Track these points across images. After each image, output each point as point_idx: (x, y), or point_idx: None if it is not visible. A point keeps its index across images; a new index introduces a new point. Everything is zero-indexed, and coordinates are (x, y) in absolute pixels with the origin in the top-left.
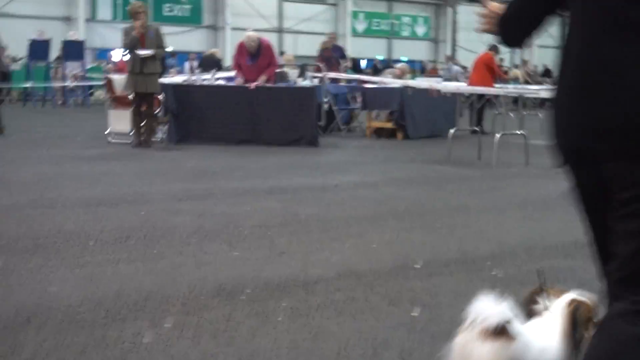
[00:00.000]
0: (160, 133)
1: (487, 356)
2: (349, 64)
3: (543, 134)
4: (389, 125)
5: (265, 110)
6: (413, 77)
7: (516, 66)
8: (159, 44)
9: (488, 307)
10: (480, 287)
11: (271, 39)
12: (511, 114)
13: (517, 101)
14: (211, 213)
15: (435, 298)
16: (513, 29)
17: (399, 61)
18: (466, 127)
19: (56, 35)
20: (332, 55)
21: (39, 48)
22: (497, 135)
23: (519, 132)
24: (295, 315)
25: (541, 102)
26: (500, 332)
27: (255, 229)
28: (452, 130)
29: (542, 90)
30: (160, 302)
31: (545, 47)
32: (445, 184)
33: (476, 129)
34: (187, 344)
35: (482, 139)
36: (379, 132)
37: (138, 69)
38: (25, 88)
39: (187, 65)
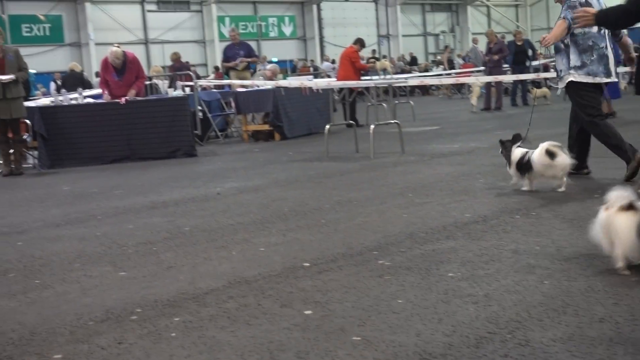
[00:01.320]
0: (31, 159)
1: (624, 222)
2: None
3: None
4: (266, 127)
5: (138, 125)
6: (285, 77)
7: (383, 57)
8: (20, 66)
9: (620, 193)
10: (369, 278)
11: (138, 51)
12: (384, 105)
13: (387, 91)
14: (93, 235)
15: (327, 295)
16: (613, 25)
17: (269, 62)
18: (341, 121)
19: None
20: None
21: None
22: (372, 127)
23: (392, 122)
24: (188, 329)
25: (411, 90)
26: (630, 207)
27: (140, 247)
28: (327, 126)
29: (411, 79)
30: (47, 334)
31: (409, 36)
32: (326, 180)
33: (351, 122)
34: None
35: (357, 132)
36: (256, 135)
37: (1, 95)
38: None
39: (52, 85)
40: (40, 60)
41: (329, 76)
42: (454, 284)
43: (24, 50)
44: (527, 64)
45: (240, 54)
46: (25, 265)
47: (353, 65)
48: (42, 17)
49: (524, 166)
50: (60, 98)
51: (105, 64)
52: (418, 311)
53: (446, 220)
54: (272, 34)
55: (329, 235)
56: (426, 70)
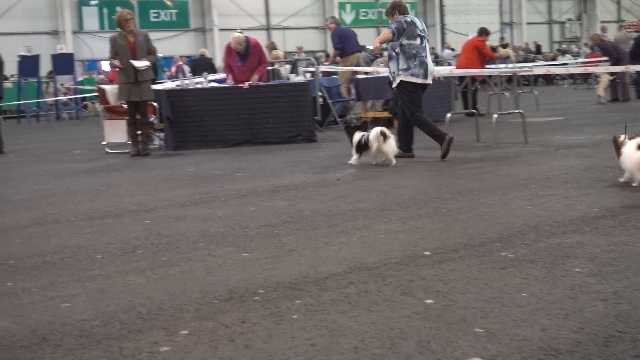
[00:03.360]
0: (157, 140)
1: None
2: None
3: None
4: (385, 114)
5: (260, 110)
6: None
7: (505, 45)
8: (150, 49)
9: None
10: (491, 270)
11: (259, 36)
12: (506, 94)
13: (510, 80)
14: (216, 216)
15: (448, 284)
16: None
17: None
18: (462, 110)
19: (45, 50)
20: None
21: (28, 64)
22: (495, 116)
23: (516, 111)
24: (310, 312)
25: (534, 80)
26: None
27: (262, 229)
28: (449, 115)
29: (536, 68)
30: (174, 310)
31: (534, 24)
32: (446, 169)
33: (472, 111)
34: (205, 350)
35: (479, 121)
36: (376, 122)
37: (132, 78)
38: (18, 105)
39: (186, 68)
40: (166, 44)
41: (449, 64)
42: (581, 279)
43: (151, 35)
44: None
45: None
46: (153, 243)
47: (479, 53)
48: (169, 3)
49: (363, 145)
50: (187, 81)
51: (229, 49)
52: (543, 306)
53: (572, 214)
54: None
55: (450, 225)
56: (553, 60)
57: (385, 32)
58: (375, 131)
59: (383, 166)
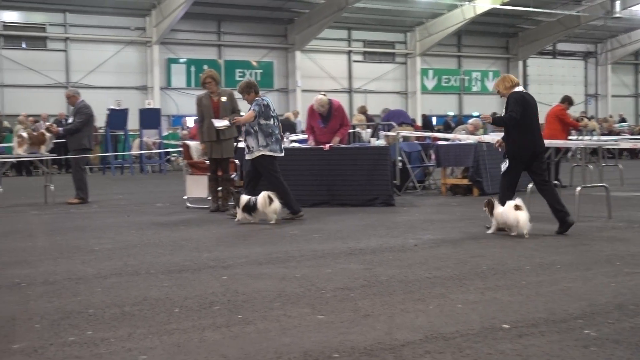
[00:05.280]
0: None
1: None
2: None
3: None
4: (465, 181)
5: (340, 172)
6: (485, 132)
7: (590, 118)
8: (234, 108)
9: None
10: (573, 348)
11: (341, 99)
12: (590, 166)
13: (595, 153)
14: (293, 276)
15: None
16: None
17: (470, 116)
18: None
19: (133, 104)
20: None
21: (117, 117)
22: (578, 189)
23: (600, 185)
24: None
25: (619, 153)
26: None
27: (338, 292)
28: (530, 185)
29: (622, 141)
30: None
31: (619, 96)
32: (527, 240)
33: (555, 182)
34: None
35: (560, 193)
36: (455, 189)
37: (214, 137)
38: (105, 157)
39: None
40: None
41: None
42: None
43: (236, 94)
44: None
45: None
46: (229, 300)
47: (561, 123)
48: (254, 63)
49: (251, 207)
50: None
51: (312, 111)
52: None
53: None
54: (474, 88)
55: (530, 298)
56: None
57: (250, 114)
58: (264, 195)
59: (462, 233)
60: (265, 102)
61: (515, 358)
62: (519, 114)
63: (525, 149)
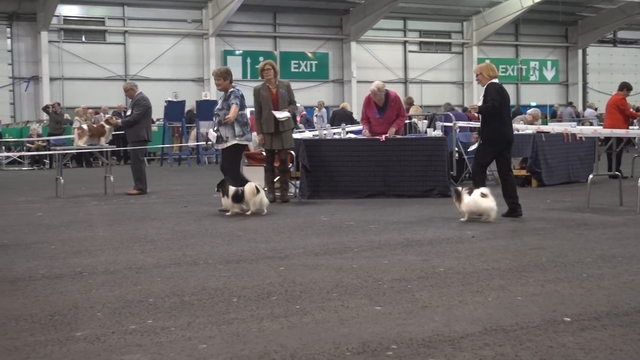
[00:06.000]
0: (293, 188)
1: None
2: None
3: None
4: (523, 172)
5: (395, 163)
6: (544, 122)
7: None
8: (291, 99)
9: None
10: (637, 342)
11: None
12: None
13: None
14: (350, 267)
15: (590, 354)
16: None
17: (528, 107)
18: (604, 171)
19: (190, 96)
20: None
21: (174, 109)
22: None
23: None
24: None
25: None
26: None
27: (395, 283)
28: (590, 176)
29: None
30: (307, 359)
31: None
32: (587, 232)
33: (616, 173)
34: None
35: (622, 184)
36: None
37: (273, 128)
38: (162, 148)
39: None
40: (305, 94)
41: (591, 124)
42: None
43: (292, 85)
44: None
45: None
46: (287, 290)
47: (622, 113)
48: (310, 55)
49: (239, 197)
50: (325, 132)
51: (368, 100)
52: None
53: None
54: (532, 78)
55: (592, 291)
56: None
57: (235, 108)
58: (250, 185)
59: (521, 224)
60: (241, 93)
61: (578, 352)
62: (499, 103)
63: (504, 136)
